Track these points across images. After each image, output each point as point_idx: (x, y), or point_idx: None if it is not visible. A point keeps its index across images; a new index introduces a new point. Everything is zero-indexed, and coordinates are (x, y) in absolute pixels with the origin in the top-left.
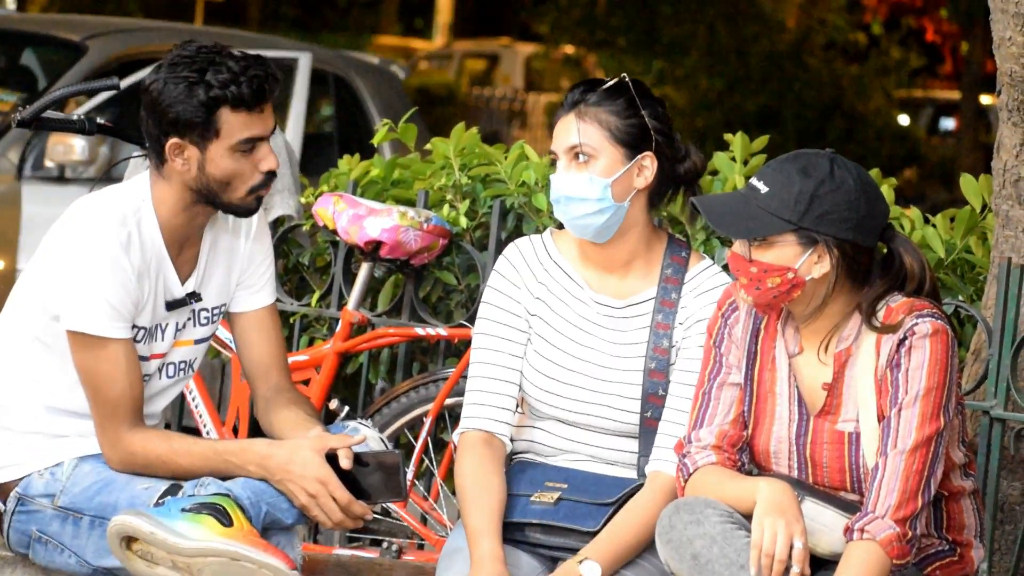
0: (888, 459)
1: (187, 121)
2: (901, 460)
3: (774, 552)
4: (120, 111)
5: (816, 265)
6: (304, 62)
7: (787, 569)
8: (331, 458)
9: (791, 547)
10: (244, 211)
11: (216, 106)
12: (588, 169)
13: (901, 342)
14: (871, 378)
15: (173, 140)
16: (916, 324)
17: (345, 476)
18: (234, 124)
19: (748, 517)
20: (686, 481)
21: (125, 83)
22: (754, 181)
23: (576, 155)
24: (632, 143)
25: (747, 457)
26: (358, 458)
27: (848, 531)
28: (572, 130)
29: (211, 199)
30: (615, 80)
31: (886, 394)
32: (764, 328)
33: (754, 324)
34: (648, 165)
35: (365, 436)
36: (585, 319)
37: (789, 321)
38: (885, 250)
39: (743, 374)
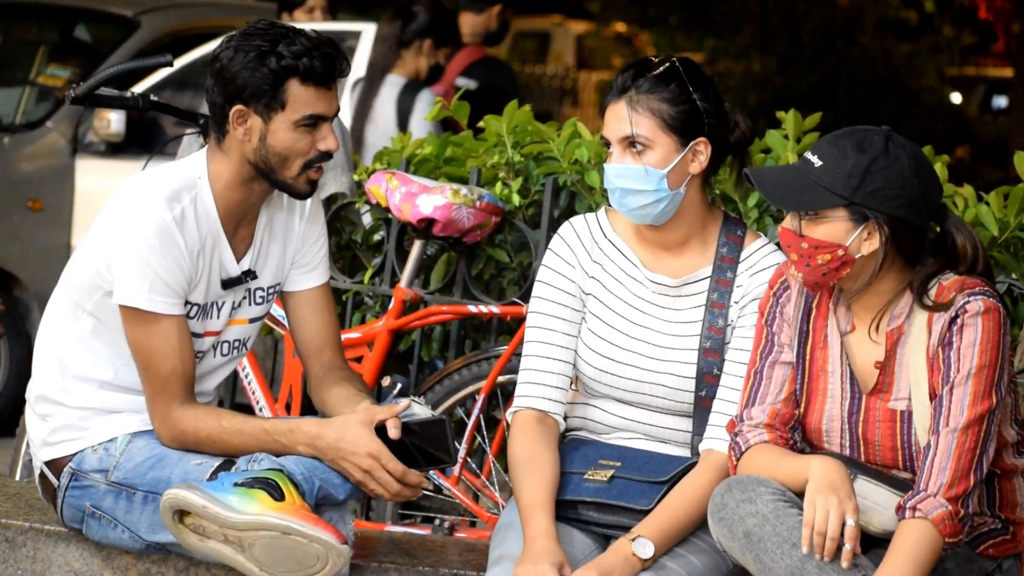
0: (940, 437)
1: (255, 89)
2: (953, 438)
3: (826, 530)
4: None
5: (866, 242)
6: (368, 34)
7: (839, 547)
8: (379, 431)
9: (843, 525)
10: (298, 193)
11: (286, 76)
12: (643, 160)
13: (953, 320)
14: (923, 356)
15: (238, 107)
16: (968, 302)
17: (395, 447)
18: (301, 98)
19: (800, 495)
20: (738, 459)
21: (179, 63)
22: (808, 155)
23: (630, 145)
24: (685, 130)
25: (799, 436)
26: (405, 428)
27: (900, 509)
28: (624, 120)
29: (267, 174)
30: (666, 65)
31: (938, 372)
32: (816, 307)
33: (806, 303)
34: (702, 150)
35: (409, 402)
36: (640, 298)
37: (841, 299)
38: (938, 229)
39: (795, 353)
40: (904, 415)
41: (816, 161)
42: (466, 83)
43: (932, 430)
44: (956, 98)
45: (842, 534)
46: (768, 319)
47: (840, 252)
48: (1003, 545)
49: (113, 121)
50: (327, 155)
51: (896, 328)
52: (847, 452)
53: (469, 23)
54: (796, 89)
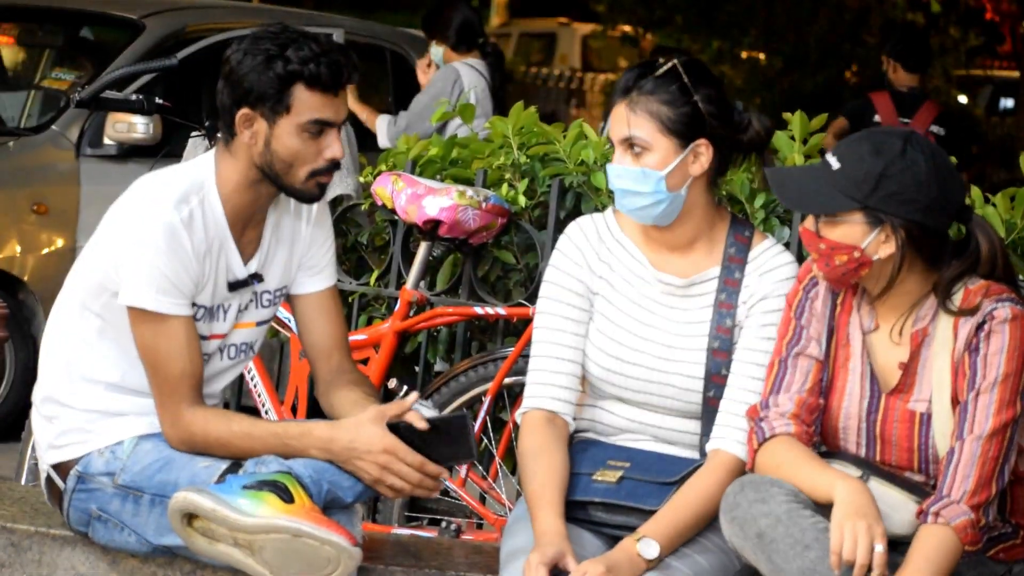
0: (965, 444)
1: (260, 92)
2: (978, 446)
3: (855, 558)
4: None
5: (883, 245)
6: (336, 39)
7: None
8: (392, 427)
9: (872, 551)
10: (307, 197)
11: (291, 81)
12: (641, 162)
13: (980, 326)
14: (947, 360)
15: (244, 111)
16: (995, 308)
17: (412, 445)
18: (306, 103)
19: (817, 504)
20: (760, 444)
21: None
22: (828, 156)
23: (629, 146)
24: (685, 132)
25: (816, 429)
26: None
27: (922, 514)
28: (624, 121)
29: (274, 179)
30: (667, 66)
31: (963, 377)
32: (841, 304)
33: (832, 299)
34: (703, 152)
35: (417, 396)
36: (648, 298)
37: (865, 297)
38: (964, 231)
39: (822, 349)
40: (923, 417)
41: (835, 163)
42: (938, 130)
43: (956, 436)
44: (963, 99)
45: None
46: (797, 312)
47: (856, 254)
48: (1013, 550)
49: (139, 125)
50: (335, 164)
51: (921, 330)
52: (863, 451)
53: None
54: (802, 90)
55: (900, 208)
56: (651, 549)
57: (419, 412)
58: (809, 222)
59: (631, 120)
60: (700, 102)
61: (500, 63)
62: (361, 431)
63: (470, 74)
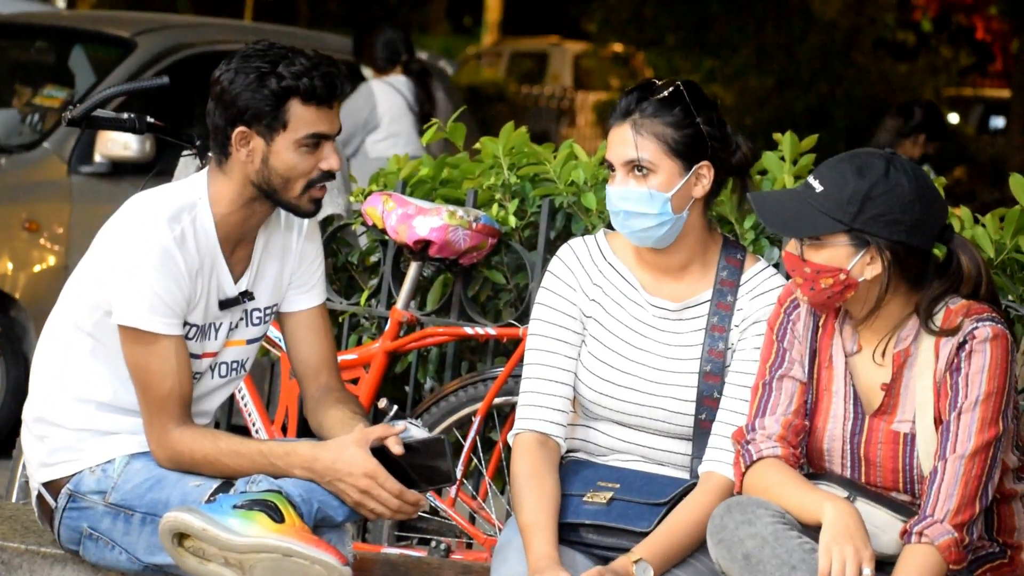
0: (947, 463)
1: (256, 110)
2: (960, 465)
3: None
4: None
5: (868, 267)
6: None
7: None
8: (376, 451)
9: (860, 573)
10: (303, 212)
11: (286, 97)
12: (647, 184)
13: (961, 345)
14: (930, 380)
15: (240, 129)
16: (976, 328)
17: (393, 468)
18: (303, 117)
19: (804, 525)
20: (747, 468)
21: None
22: (810, 179)
23: (634, 168)
24: (688, 154)
25: (802, 451)
26: (404, 446)
27: (906, 534)
28: (629, 143)
29: (270, 195)
30: (670, 89)
31: (945, 397)
32: (822, 326)
33: (814, 321)
34: (705, 174)
35: (405, 425)
36: (640, 321)
37: (847, 319)
38: (946, 251)
39: (805, 371)
40: (907, 437)
41: (817, 186)
42: None
43: (939, 456)
44: (953, 118)
45: None
46: (779, 334)
47: (842, 276)
48: (1001, 569)
49: (132, 143)
50: (330, 174)
51: (903, 351)
52: (847, 472)
53: None
54: (793, 110)
55: (885, 229)
56: (647, 573)
57: (399, 438)
58: (792, 246)
59: (637, 142)
60: (702, 124)
61: (424, 79)
62: (344, 453)
63: (384, 91)
